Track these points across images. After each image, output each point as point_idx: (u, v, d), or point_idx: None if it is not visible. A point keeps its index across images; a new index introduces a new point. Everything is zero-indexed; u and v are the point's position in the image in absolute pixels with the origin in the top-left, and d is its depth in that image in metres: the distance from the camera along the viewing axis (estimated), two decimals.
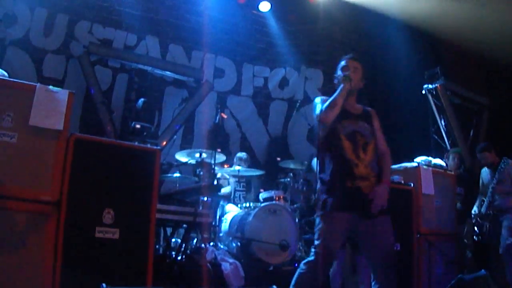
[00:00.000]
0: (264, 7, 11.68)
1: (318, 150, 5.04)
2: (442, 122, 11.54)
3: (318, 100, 5.04)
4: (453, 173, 8.20)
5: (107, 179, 5.00)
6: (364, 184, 4.67)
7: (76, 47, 9.87)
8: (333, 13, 12.04)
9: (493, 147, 8.51)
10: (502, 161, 7.97)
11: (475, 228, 8.06)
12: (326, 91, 12.35)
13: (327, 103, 4.81)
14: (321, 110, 4.81)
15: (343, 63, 5.29)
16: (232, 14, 11.56)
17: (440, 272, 7.13)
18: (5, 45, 9.27)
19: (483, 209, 7.99)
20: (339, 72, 5.17)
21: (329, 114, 4.78)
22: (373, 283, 4.71)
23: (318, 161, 4.97)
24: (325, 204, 4.66)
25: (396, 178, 7.30)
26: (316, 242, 4.70)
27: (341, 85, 4.94)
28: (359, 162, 4.73)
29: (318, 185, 4.86)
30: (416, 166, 7.25)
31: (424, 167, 7.47)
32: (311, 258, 4.70)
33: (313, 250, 4.72)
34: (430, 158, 8.53)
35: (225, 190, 9.23)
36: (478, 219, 8.04)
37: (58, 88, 4.82)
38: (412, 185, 7.21)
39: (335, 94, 4.86)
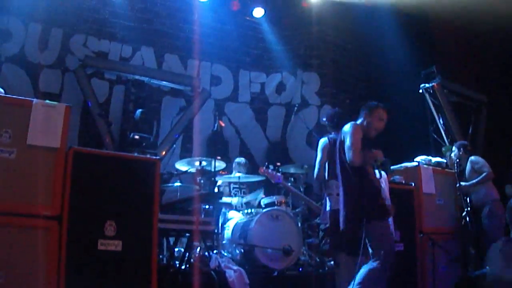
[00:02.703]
0: (258, 13, 11.68)
1: None
2: (441, 120, 11.54)
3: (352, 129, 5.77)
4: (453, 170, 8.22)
5: (107, 191, 5.01)
6: None
7: (72, 61, 9.84)
8: (327, 15, 12.05)
9: None
10: None
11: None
12: (323, 94, 12.40)
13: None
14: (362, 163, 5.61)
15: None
16: (226, 21, 11.57)
17: (444, 270, 7.13)
18: (1, 62, 9.25)
19: None
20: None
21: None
22: None
23: None
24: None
25: (397, 178, 7.31)
26: None
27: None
28: None
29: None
30: (416, 166, 7.26)
31: (425, 166, 7.48)
32: None
33: None
34: (430, 157, 8.54)
35: (226, 200, 9.22)
36: None
37: (55, 102, 4.83)
38: (413, 184, 7.21)
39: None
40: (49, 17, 9.75)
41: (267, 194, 9.20)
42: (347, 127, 5.80)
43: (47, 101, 4.81)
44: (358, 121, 5.93)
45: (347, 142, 5.67)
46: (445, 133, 11.47)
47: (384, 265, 5.30)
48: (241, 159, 9.83)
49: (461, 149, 8.80)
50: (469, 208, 8.05)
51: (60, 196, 4.62)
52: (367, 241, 5.47)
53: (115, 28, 10.44)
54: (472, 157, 8.77)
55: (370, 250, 5.48)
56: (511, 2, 9.79)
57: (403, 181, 7.25)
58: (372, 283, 5.28)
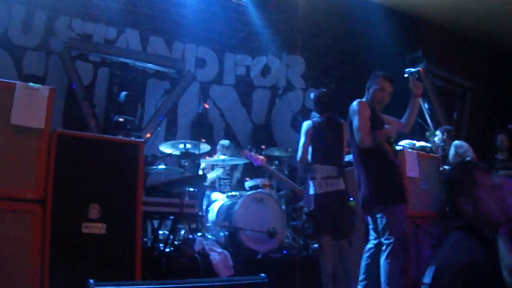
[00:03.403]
0: None
1: None
2: (426, 105, 11.59)
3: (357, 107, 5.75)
4: (437, 155, 8.27)
5: (91, 174, 5.00)
6: None
7: (56, 43, 9.76)
8: None
9: None
10: None
11: None
12: (308, 77, 12.41)
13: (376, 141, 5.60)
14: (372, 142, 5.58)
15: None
16: (212, 3, 11.50)
17: (428, 254, 7.18)
18: None
19: None
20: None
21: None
22: None
23: None
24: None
25: None
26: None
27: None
28: None
29: None
30: (400, 150, 7.27)
31: (409, 150, 7.51)
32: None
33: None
34: (414, 141, 8.58)
35: (211, 176, 9.24)
36: None
37: (39, 85, 4.81)
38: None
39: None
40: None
41: (251, 177, 9.22)
42: (353, 106, 5.78)
43: (31, 83, 4.78)
44: (364, 98, 5.91)
45: (354, 123, 5.64)
46: (430, 118, 11.53)
47: (396, 247, 5.34)
48: (226, 141, 9.83)
49: (445, 133, 8.88)
50: None
51: (44, 179, 4.60)
52: (378, 223, 5.50)
53: (100, 10, 10.33)
54: (456, 142, 8.85)
55: (381, 231, 5.48)
56: None
57: None
58: (396, 272, 5.30)
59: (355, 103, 5.74)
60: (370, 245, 5.70)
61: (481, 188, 2.98)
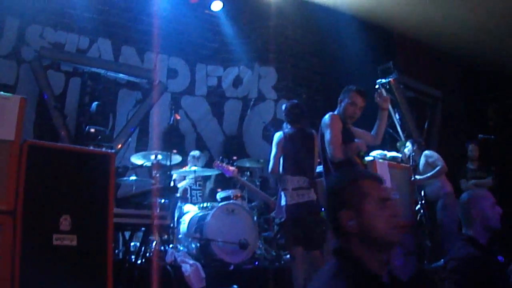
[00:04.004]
0: (216, 6, 11.66)
1: None
2: (397, 115, 11.67)
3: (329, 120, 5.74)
4: (408, 165, 8.36)
5: (62, 185, 4.94)
6: None
7: (28, 52, 9.69)
8: (285, 10, 12.11)
9: None
10: None
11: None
12: (280, 88, 12.45)
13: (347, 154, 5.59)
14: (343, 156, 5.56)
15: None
16: (184, 14, 11.51)
17: (400, 264, 7.22)
18: None
19: None
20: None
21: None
22: None
23: None
24: None
25: None
26: None
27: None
28: None
29: None
30: (371, 160, 7.31)
31: (380, 160, 7.56)
32: None
33: None
34: (385, 152, 8.64)
35: (181, 185, 9.21)
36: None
37: (9, 94, 4.75)
38: None
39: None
40: (5, 6, 9.57)
41: (223, 188, 9.21)
42: (325, 119, 5.79)
43: (1, 92, 4.72)
44: (336, 111, 5.94)
45: (326, 136, 5.66)
46: (400, 128, 11.61)
47: None
48: (196, 152, 9.84)
49: (416, 144, 8.98)
50: (423, 202, 8.23)
51: (14, 190, 4.54)
52: None
53: (72, 19, 10.30)
54: (426, 151, 8.96)
55: None
56: (463, 6, 9.98)
57: None
58: None
59: (327, 116, 5.77)
60: None
61: (369, 200, 2.46)
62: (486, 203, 4.13)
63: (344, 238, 2.49)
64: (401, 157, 9.04)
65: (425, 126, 12.33)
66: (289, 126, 6.69)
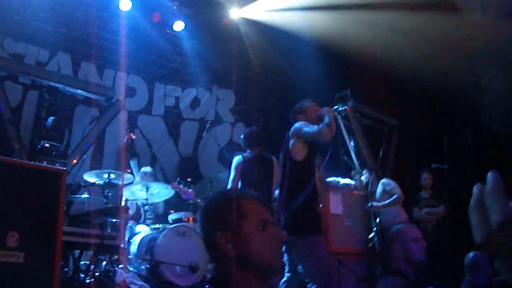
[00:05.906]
0: (178, 26, 11.67)
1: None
2: (352, 143, 11.78)
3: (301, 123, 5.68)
4: (361, 193, 8.45)
5: (11, 201, 4.85)
6: None
7: None
8: (246, 34, 12.18)
9: None
10: None
11: None
12: (237, 111, 12.48)
13: (331, 121, 5.52)
14: (328, 124, 5.45)
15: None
16: (146, 32, 11.45)
17: None
18: None
19: None
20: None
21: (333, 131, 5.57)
22: None
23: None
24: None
25: None
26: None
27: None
28: None
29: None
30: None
31: (333, 187, 7.62)
32: None
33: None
34: (338, 179, 8.70)
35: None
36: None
37: None
38: (321, 205, 7.33)
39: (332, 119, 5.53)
40: None
41: (175, 210, 9.15)
42: (295, 126, 5.79)
43: None
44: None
45: (306, 132, 5.65)
46: (355, 156, 11.71)
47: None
48: (148, 168, 9.79)
49: (373, 172, 9.09)
50: (378, 229, 8.30)
51: None
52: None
53: (34, 31, 10.14)
54: (384, 179, 9.08)
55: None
56: (419, 36, 10.19)
57: None
58: None
59: (297, 124, 5.77)
60: (285, 278, 5.66)
61: (248, 221, 2.26)
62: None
63: (221, 264, 2.36)
64: (355, 184, 9.11)
65: (380, 153, 12.46)
66: (248, 150, 6.74)
